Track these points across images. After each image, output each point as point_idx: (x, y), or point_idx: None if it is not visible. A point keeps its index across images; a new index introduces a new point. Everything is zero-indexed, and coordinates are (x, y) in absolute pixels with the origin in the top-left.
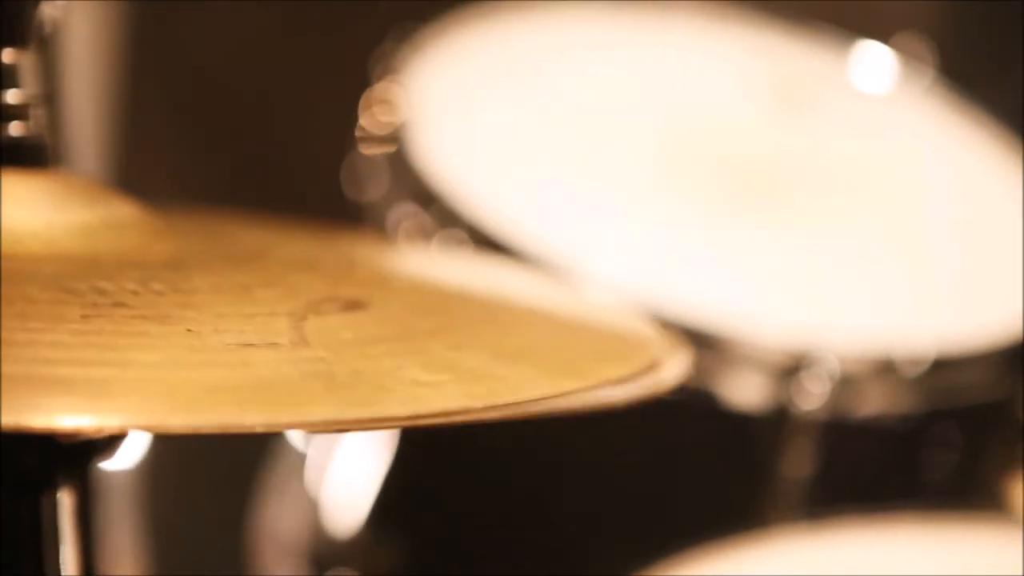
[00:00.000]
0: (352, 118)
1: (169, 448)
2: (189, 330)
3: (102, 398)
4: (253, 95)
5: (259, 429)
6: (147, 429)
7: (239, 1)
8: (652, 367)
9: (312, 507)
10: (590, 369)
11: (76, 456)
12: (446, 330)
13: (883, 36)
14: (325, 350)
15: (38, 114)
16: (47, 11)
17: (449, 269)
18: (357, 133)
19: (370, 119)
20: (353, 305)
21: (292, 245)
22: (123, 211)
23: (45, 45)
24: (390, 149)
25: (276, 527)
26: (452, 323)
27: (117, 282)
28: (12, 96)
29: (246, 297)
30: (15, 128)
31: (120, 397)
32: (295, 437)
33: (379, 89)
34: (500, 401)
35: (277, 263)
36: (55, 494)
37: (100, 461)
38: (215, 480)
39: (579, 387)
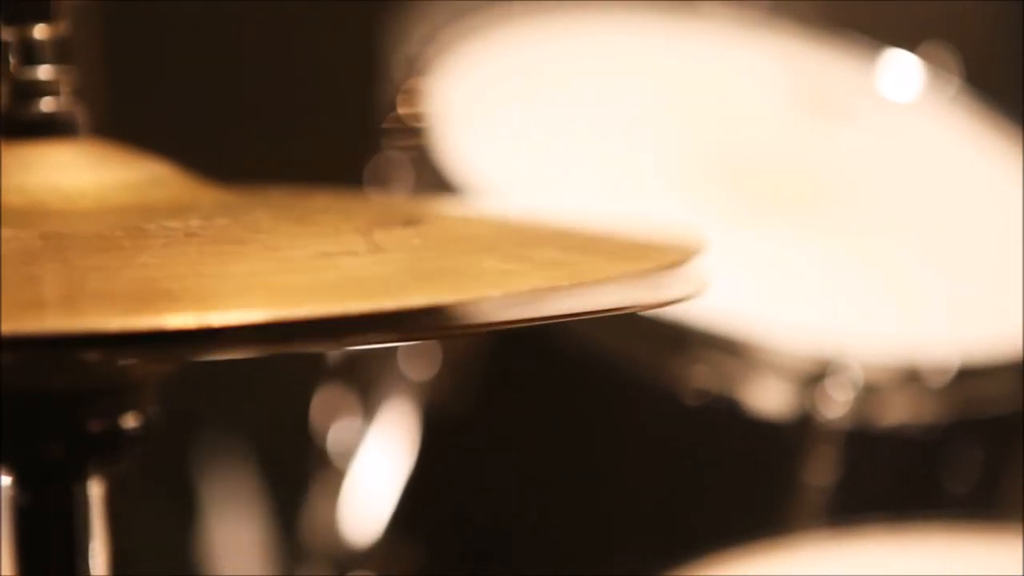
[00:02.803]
0: (375, 119)
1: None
2: (268, 247)
3: (210, 301)
4: (269, 95)
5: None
6: (254, 327)
7: (250, 1)
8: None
9: (333, 509)
10: (655, 257)
11: (106, 446)
12: (507, 234)
13: (909, 44)
14: (402, 253)
15: (68, 88)
16: None
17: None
18: (381, 132)
19: (395, 119)
20: (411, 221)
21: (320, 198)
22: (161, 169)
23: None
24: (415, 149)
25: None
26: (509, 230)
27: (182, 220)
28: (44, 72)
29: (308, 220)
30: (47, 104)
31: (226, 299)
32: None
33: (404, 89)
34: (583, 280)
35: (317, 205)
36: (85, 485)
37: (129, 452)
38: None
39: (650, 268)
